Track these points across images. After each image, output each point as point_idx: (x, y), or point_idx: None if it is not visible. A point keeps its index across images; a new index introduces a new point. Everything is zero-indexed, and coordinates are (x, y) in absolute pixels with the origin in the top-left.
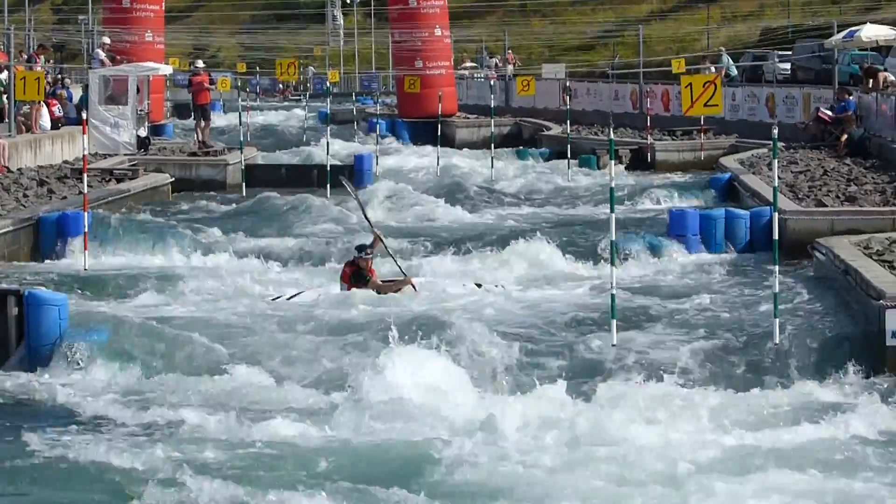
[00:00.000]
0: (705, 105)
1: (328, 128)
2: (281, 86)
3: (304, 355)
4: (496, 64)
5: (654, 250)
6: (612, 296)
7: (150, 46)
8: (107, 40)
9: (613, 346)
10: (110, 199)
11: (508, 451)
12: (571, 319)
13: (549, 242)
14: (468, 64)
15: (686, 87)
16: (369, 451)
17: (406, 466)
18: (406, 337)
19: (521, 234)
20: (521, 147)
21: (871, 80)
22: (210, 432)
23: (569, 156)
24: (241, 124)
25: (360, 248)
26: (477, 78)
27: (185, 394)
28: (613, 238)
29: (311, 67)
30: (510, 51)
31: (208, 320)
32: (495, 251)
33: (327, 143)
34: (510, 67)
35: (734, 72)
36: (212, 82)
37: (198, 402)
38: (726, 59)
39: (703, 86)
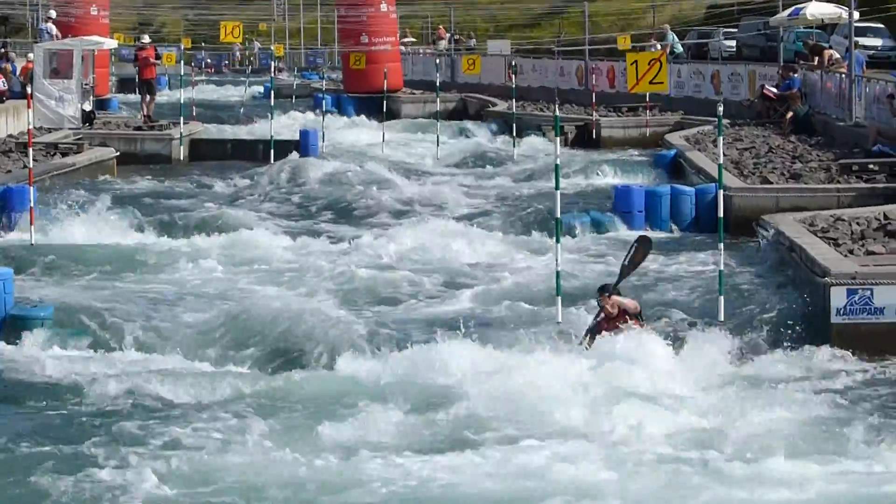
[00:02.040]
0: (651, 82)
1: (271, 102)
2: (227, 61)
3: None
4: (436, 38)
5: (599, 227)
6: (557, 273)
7: (94, 21)
8: (53, 14)
9: (558, 323)
10: (55, 172)
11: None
12: (515, 296)
13: (489, 216)
14: (408, 39)
15: (632, 64)
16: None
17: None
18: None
19: (466, 209)
20: (462, 121)
21: (816, 58)
22: (155, 409)
23: (514, 132)
24: (182, 99)
25: (602, 290)
26: (421, 54)
27: (133, 371)
28: (558, 215)
29: (257, 42)
30: (441, 26)
31: (157, 296)
32: (438, 223)
33: (270, 117)
34: (443, 43)
35: (679, 49)
36: (157, 57)
37: (144, 379)
38: (671, 36)
39: (649, 63)
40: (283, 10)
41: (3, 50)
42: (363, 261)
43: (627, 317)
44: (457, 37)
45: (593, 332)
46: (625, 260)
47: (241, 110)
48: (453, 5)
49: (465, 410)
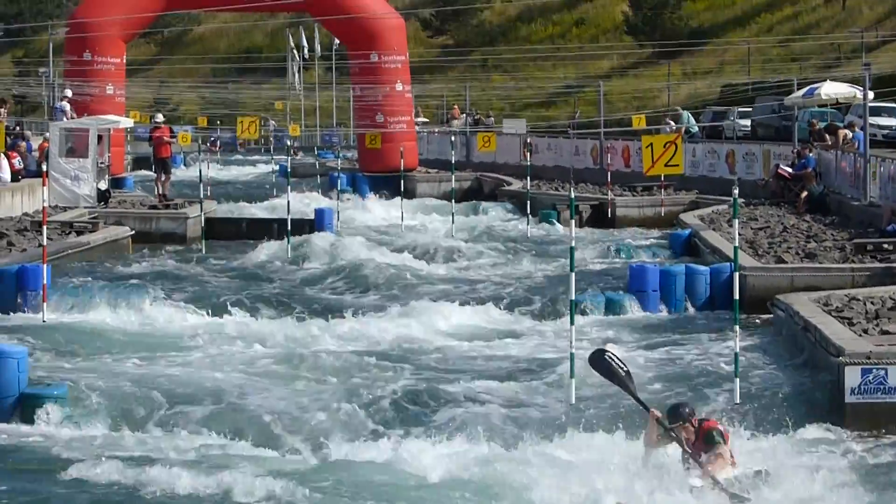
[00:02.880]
0: (666, 165)
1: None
2: (241, 141)
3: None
4: (450, 118)
5: (614, 306)
6: (572, 354)
7: (110, 99)
8: (69, 93)
9: (572, 405)
10: (70, 251)
11: None
12: (529, 377)
13: (505, 298)
14: (421, 119)
15: (647, 147)
16: None
17: None
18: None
19: (479, 289)
20: (478, 202)
21: (832, 137)
22: (172, 490)
23: (528, 211)
24: (200, 178)
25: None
26: (436, 133)
27: (148, 453)
28: (573, 297)
29: (273, 122)
30: (456, 106)
31: (170, 376)
32: (452, 304)
33: (288, 196)
34: (456, 122)
35: (695, 129)
36: (172, 135)
37: (158, 461)
38: (686, 115)
39: (664, 146)
40: (299, 90)
41: (17, 129)
42: (376, 346)
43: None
44: (476, 116)
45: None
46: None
47: (274, 190)
48: (469, 84)
49: None
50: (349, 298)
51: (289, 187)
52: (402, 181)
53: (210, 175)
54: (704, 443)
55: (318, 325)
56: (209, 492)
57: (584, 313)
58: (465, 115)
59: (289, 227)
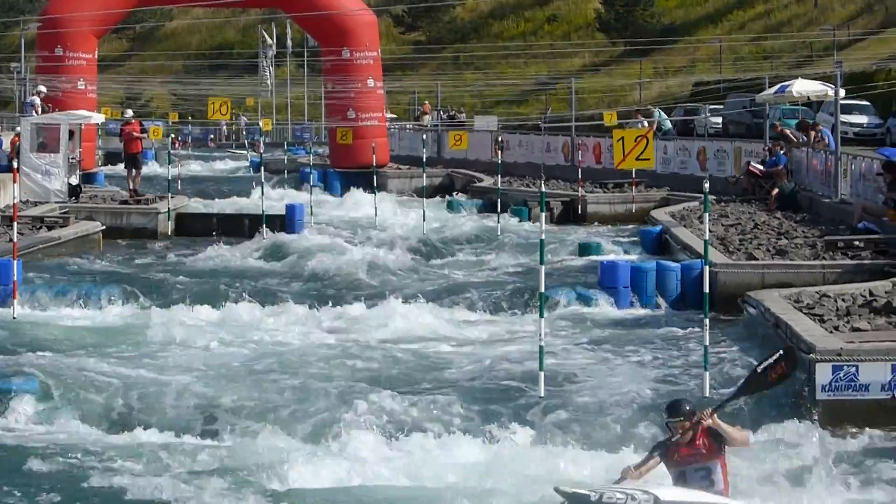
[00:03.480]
0: (637, 159)
1: (262, 176)
2: (212, 136)
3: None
4: (420, 114)
5: (585, 302)
6: (541, 347)
7: (82, 95)
8: (43, 89)
9: (541, 398)
10: (41, 246)
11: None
12: (498, 371)
13: (476, 294)
14: (390, 115)
15: (618, 141)
16: None
17: None
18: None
19: (451, 285)
20: (450, 197)
21: (803, 136)
22: (137, 488)
23: (499, 208)
24: (169, 173)
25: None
26: (408, 129)
27: (115, 448)
28: (542, 290)
29: (244, 117)
30: (427, 102)
31: (138, 373)
32: (424, 300)
33: (261, 190)
34: (427, 118)
35: (668, 125)
36: (143, 131)
37: (128, 456)
38: (658, 112)
39: (635, 140)
40: (270, 85)
41: None
42: (346, 345)
43: (711, 442)
44: (451, 112)
45: (663, 454)
46: (759, 367)
47: (252, 184)
48: (440, 81)
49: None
50: (320, 296)
51: (262, 182)
52: (374, 177)
53: (181, 170)
54: (714, 440)
55: (290, 323)
56: (174, 490)
57: (555, 309)
58: (436, 111)
59: (263, 223)
